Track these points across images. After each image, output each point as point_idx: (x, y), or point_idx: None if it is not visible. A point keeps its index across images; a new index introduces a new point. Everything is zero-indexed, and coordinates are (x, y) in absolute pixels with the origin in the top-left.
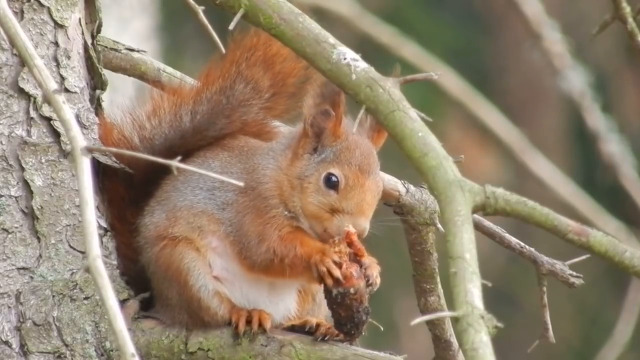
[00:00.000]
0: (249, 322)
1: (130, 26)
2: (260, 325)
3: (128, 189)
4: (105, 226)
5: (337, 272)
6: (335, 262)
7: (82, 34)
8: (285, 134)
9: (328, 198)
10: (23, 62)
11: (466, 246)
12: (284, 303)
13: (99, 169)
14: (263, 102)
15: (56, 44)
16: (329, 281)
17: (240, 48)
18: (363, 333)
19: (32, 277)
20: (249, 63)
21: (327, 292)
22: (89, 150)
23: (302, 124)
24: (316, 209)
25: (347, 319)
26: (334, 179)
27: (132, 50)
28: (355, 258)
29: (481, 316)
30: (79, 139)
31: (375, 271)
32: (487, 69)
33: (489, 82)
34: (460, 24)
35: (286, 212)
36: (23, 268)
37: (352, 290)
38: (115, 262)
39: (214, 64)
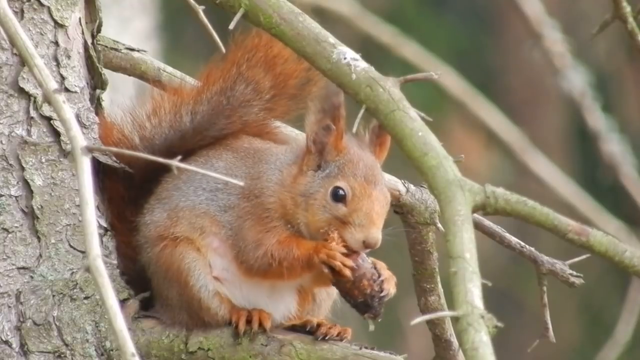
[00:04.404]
0: (249, 321)
1: (131, 26)
2: (261, 324)
3: (128, 188)
4: (106, 225)
5: (350, 262)
6: (343, 253)
7: (82, 33)
8: (292, 146)
9: (337, 212)
10: (23, 61)
11: (466, 246)
12: (284, 303)
13: (99, 168)
14: (264, 103)
15: (56, 43)
16: (347, 272)
17: (242, 49)
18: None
19: (32, 277)
20: (249, 64)
21: (340, 283)
22: (89, 149)
23: (305, 140)
24: (326, 224)
25: (365, 302)
26: (341, 192)
27: (132, 49)
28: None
29: (481, 316)
30: (79, 139)
31: (384, 271)
32: (487, 68)
33: (490, 81)
34: (460, 24)
35: (289, 225)
36: (23, 267)
37: (365, 273)
38: (115, 262)
39: (214, 64)
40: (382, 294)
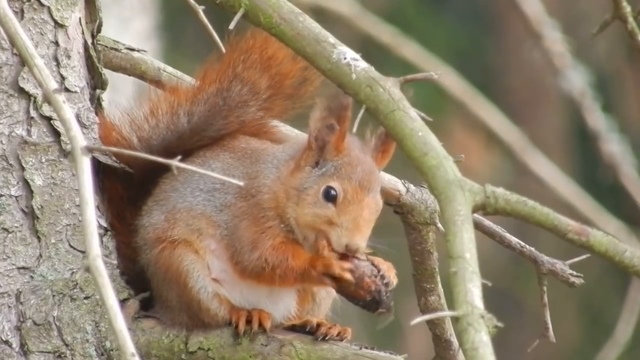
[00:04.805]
0: (249, 321)
1: (131, 26)
2: (261, 324)
3: (127, 188)
4: (106, 225)
5: (347, 264)
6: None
7: (83, 33)
8: (292, 142)
9: (326, 211)
10: (23, 61)
11: (466, 246)
12: (283, 303)
13: (99, 168)
14: (261, 103)
15: (56, 43)
16: (348, 275)
17: (237, 50)
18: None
19: (32, 277)
20: (245, 65)
21: (344, 288)
22: (89, 149)
23: (307, 137)
24: (313, 220)
25: (374, 300)
26: (332, 192)
27: (132, 49)
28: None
29: (481, 316)
30: (79, 139)
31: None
32: (487, 68)
33: (490, 81)
34: (460, 24)
35: (282, 225)
36: (23, 267)
37: (364, 272)
38: (115, 262)
39: (210, 64)
40: (386, 281)
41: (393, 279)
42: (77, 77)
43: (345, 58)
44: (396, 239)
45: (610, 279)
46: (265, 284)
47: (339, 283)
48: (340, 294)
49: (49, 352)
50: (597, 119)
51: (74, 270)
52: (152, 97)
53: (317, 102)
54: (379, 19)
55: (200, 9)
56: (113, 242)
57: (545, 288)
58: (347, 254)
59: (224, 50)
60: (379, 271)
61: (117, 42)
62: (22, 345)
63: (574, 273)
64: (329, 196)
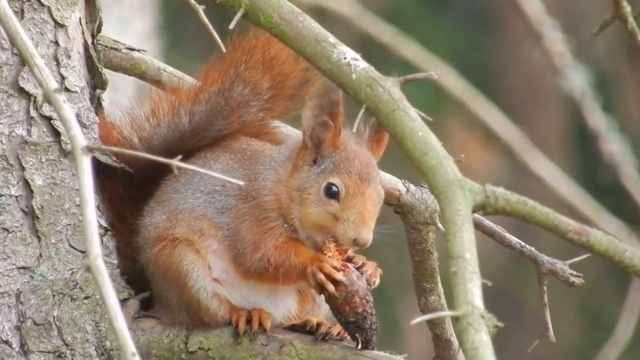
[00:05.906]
0: (249, 321)
1: (131, 25)
2: (261, 324)
3: (127, 188)
4: (106, 225)
5: (339, 276)
6: (335, 267)
7: (83, 33)
8: (288, 143)
9: (329, 208)
10: (23, 61)
11: (466, 245)
12: (283, 303)
13: (99, 168)
14: (262, 104)
15: (56, 43)
16: (331, 287)
17: (239, 50)
18: (374, 340)
19: (32, 277)
20: (247, 65)
21: (332, 298)
22: (89, 149)
23: (301, 135)
24: (318, 219)
25: (357, 323)
26: (334, 188)
27: (132, 49)
28: (349, 259)
29: (481, 315)
30: (79, 138)
31: (370, 269)
32: (487, 68)
33: (490, 81)
34: (460, 24)
35: (286, 225)
36: (23, 267)
37: (358, 290)
38: (115, 262)
39: (212, 64)
40: (373, 312)
41: (375, 279)
42: (77, 77)
43: (345, 58)
44: (395, 228)
45: (610, 279)
46: (269, 283)
47: (324, 290)
48: (328, 304)
49: (49, 352)
50: (597, 119)
51: (74, 270)
52: (154, 96)
53: (307, 102)
54: (379, 19)
55: (200, 9)
56: (113, 242)
57: (545, 288)
58: (348, 267)
59: (224, 50)
60: (369, 295)
61: (117, 42)
62: (22, 345)
63: (574, 273)
64: (331, 192)
